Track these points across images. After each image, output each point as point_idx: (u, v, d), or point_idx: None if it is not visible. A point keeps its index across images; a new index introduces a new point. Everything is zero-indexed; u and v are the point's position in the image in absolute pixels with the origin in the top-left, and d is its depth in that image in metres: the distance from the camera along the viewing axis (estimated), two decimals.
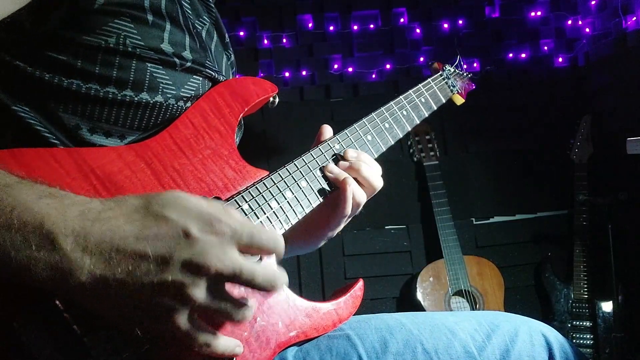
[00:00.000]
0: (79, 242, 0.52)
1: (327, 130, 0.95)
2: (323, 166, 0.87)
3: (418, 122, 1.05)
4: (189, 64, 0.78)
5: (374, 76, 2.90)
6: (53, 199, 0.55)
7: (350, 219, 0.92)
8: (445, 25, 2.93)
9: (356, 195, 0.86)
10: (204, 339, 0.58)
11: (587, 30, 2.90)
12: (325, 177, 0.87)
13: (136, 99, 0.73)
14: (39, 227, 0.52)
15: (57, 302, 0.57)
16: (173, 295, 0.54)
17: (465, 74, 1.27)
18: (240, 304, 0.60)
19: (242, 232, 0.57)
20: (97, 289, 0.53)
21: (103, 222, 0.54)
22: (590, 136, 2.71)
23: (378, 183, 0.89)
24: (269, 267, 0.60)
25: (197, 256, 0.54)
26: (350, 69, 2.87)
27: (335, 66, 2.87)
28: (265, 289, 0.59)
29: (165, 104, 0.76)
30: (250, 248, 0.59)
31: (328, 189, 0.86)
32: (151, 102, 0.75)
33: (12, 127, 0.68)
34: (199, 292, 0.55)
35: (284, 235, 0.79)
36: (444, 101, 1.15)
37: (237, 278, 0.57)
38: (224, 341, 0.61)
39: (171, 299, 0.54)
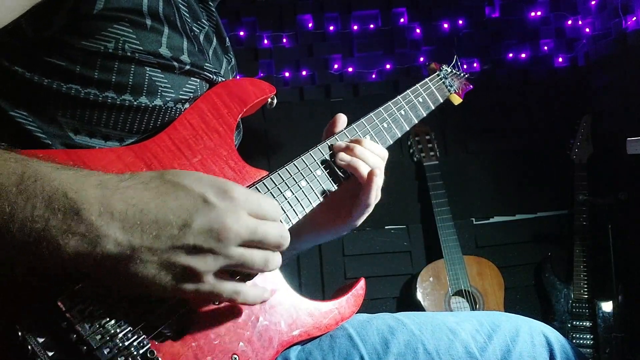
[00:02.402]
0: (103, 211, 0.54)
1: (342, 119, 0.96)
2: (332, 159, 0.88)
3: (416, 121, 1.07)
4: (187, 67, 0.78)
5: (374, 76, 2.90)
6: (70, 170, 0.57)
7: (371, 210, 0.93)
8: (445, 25, 2.93)
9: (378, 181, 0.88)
10: (231, 288, 0.62)
11: (587, 30, 2.91)
12: (325, 176, 0.87)
13: (135, 103, 0.73)
14: (63, 197, 0.53)
15: (59, 303, 0.57)
16: (196, 257, 0.57)
17: (462, 74, 1.28)
18: (260, 251, 0.63)
19: (252, 199, 0.62)
20: (123, 257, 0.54)
21: (123, 191, 0.56)
22: (590, 136, 2.71)
23: (376, 161, 0.90)
24: (277, 226, 0.65)
25: (216, 220, 0.58)
26: (350, 69, 2.87)
27: (335, 66, 2.87)
28: (277, 244, 0.64)
29: (164, 107, 0.76)
30: (258, 213, 0.63)
31: (327, 188, 0.87)
32: (150, 105, 0.75)
33: (11, 132, 0.68)
34: (221, 253, 0.58)
35: (289, 231, 0.80)
36: (441, 101, 1.16)
37: (253, 238, 0.61)
38: (253, 289, 0.65)
39: (195, 261, 0.57)
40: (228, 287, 0.62)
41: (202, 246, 0.57)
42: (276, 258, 0.65)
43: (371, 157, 0.89)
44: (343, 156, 0.88)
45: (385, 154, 0.93)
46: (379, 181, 0.87)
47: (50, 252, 0.53)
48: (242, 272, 0.65)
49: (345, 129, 0.94)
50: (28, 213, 0.52)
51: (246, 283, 0.65)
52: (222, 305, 0.68)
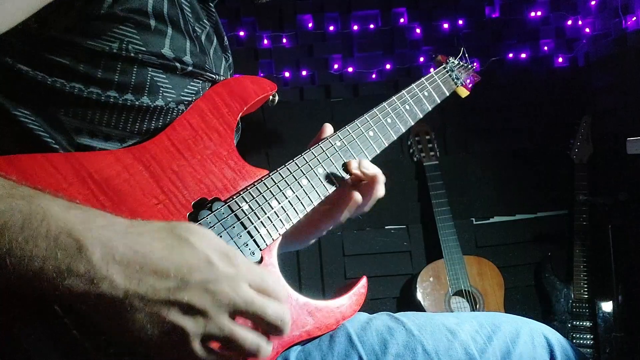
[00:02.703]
0: (106, 252, 0.54)
1: (328, 129, 0.95)
2: (345, 163, 0.89)
3: (421, 116, 1.04)
4: (189, 68, 0.78)
5: (374, 76, 2.90)
6: (79, 210, 0.57)
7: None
8: (445, 25, 2.92)
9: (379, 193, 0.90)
10: None
11: (587, 30, 2.90)
12: (327, 175, 0.86)
13: (137, 103, 0.73)
14: (68, 236, 0.53)
15: (56, 307, 0.57)
16: (186, 316, 0.56)
17: (470, 66, 1.25)
18: (254, 333, 0.61)
19: (255, 271, 0.61)
20: (116, 301, 0.54)
21: (131, 237, 0.56)
22: (590, 136, 2.71)
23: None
24: (279, 305, 0.62)
25: (215, 283, 0.57)
26: (350, 69, 2.87)
27: (335, 66, 2.87)
28: (274, 324, 0.61)
29: (165, 108, 0.76)
30: (259, 287, 0.61)
31: (330, 186, 0.86)
32: (152, 105, 0.75)
33: (13, 131, 0.68)
34: (212, 318, 0.57)
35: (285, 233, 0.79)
36: (447, 94, 1.13)
37: (249, 309, 0.59)
38: None
39: (184, 320, 0.56)
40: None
41: (195, 305, 0.56)
42: (268, 349, 0.62)
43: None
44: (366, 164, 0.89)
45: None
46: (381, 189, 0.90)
47: (45, 289, 0.53)
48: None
49: (347, 125, 0.93)
50: (27, 252, 0.52)
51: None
52: None
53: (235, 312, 0.59)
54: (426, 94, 1.06)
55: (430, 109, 1.07)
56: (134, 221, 0.59)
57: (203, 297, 0.56)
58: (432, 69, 1.18)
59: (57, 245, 0.52)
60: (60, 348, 0.57)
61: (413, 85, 1.05)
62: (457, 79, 1.17)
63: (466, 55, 1.25)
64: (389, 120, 0.97)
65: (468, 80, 1.24)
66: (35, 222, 0.53)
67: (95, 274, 0.53)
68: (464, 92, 1.22)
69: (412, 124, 1.02)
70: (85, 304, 0.54)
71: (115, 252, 0.54)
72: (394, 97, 1.00)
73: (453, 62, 1.19)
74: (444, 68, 1.16)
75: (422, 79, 1.08)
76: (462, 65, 1.23)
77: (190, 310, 0.56)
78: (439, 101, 1.10)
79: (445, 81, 1.13)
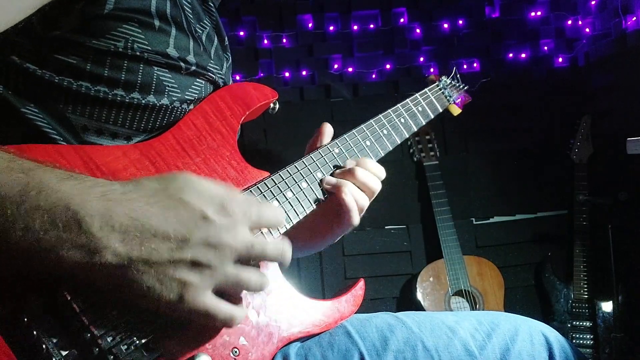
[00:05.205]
0: (104, 222, 0.55)
1: (328, 129, 0.97)
2: (321, 179, 0.88)
3: (416, 129, 1.09)
4: (193, 67, 0.79)
5: (374, 76, 2.91)
6: (75, 181, 0.57)
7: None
8: (445, 25, 2.93)
9: (358, 201, 0.88)
10: (225, 313, 0.61)
11: (587, 30, 2.91)
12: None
13: (143, 101, 0.75)
14: (65, 208, 0.54)
15: (65, 293, 0.58)
16: (192, 272, 0.58)
17: (461, 86, 1.32)
18: (256, 272, 0.64)
19: (251, 212, 0.64)
20: (121, 269, 0.55)
21: (126, 204, 0.57)
22: (590, 136, 2.72)
23: (376, 185, 0.91)
24: (276, 240, 0.67)
25: (213, 236, 0.59)
26: (350, 69, 2.88)
27: (335, 66, 2.87)
28: (276, 259, 0.66)
29: (170, 107, 0.78)
30: (258, 224, 0.65)
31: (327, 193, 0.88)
32: (157, 104, 0.76)
33: (21, 128, 0.69)
34: (218, 268, 0.60)
35: (286, 234, 0.80)
36: (440, 110, 1.19)
37: (250, 253, 0.62)
38: (242, 311, 0.65)
39: (191, 275, 0.58)
40: (225, 308, 0.61)
41: (199, 260, 0.58)
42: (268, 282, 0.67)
43: (368, 180, 0.89)
44: (328, 179, 0.88)
45: (379, 170, 0.93)
46: (357, 195, 0.88)
47: (49, 262, 0.54)
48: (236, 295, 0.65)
49: (345, 134, 0.95)
50: (29, 223, 0.53)
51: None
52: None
53: (239, 258, 0.62)
54: (420, 109, 1.11)
55: (424, 123, 1.11)
56: (127, 185, 0.60)
57: (206, 251, 0.59)
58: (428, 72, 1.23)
59: (56, 217, 0.53)
60: (69, 334, 0.58)
61: (407, 100, 1.09)
62: (450, 96, 1.23)
63: (458, 76, 1.31)
64: (385, 131, 1.01)
65: (459, 99, 1.30)
66: (33, 193, 0.54)
67: (97, 244, 0.54)
68: (455, 110, 1.29)
69: (407, 136, 1.05)
70: (91, 275, 0.55)
71: (114, 221, 0.55)
72: (389, 111, 1.04)
73: (445, 80, 1.25)
74: (437, 86, 1.21)
75: (416, 94, 1.12)
76: (454, 84, 1.29)
77: (195, 265, 0.58)
78: (432, 116, 1.14)
79: (438, 98, 1.18)
